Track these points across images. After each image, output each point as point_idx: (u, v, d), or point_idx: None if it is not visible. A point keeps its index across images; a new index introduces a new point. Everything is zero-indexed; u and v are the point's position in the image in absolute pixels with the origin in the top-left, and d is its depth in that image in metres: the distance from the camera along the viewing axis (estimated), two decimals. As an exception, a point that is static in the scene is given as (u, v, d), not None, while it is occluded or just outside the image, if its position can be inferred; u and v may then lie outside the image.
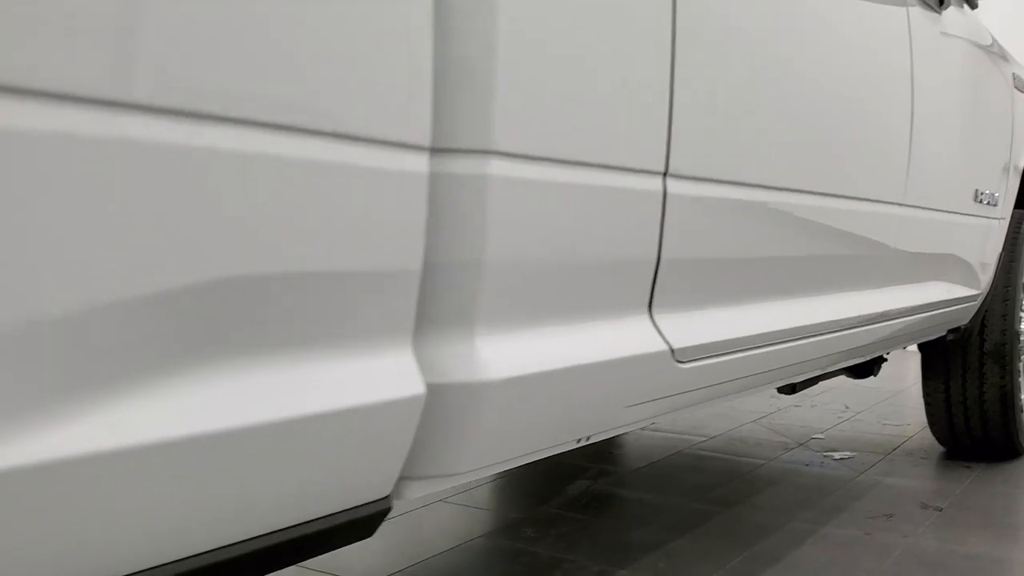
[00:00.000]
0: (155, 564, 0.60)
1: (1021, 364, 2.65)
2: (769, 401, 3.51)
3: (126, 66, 0.52)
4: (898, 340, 1.98)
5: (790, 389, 2.27)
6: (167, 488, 0.60)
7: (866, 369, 2.50)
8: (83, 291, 0.52)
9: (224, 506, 0.65)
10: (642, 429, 3.09)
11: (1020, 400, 2.60)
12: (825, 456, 2.72)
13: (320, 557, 1.90)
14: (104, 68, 0.51)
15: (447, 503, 2.28)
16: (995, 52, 2.32)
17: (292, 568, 1.80)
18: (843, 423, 3.19)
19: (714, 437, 3.00)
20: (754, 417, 3.29)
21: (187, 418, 0.61)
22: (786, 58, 1.20)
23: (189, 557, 0.63)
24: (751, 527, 2.09)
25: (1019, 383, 2.59)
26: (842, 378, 2.50)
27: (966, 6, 2.16)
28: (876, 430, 3.07)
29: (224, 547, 0.66)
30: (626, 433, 2.98)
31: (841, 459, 2.69)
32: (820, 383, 2.39)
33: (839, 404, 3.52)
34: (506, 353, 0.82)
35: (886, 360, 2.49)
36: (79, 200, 0.50)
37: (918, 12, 1.72)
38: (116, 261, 0.54)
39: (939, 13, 1.85)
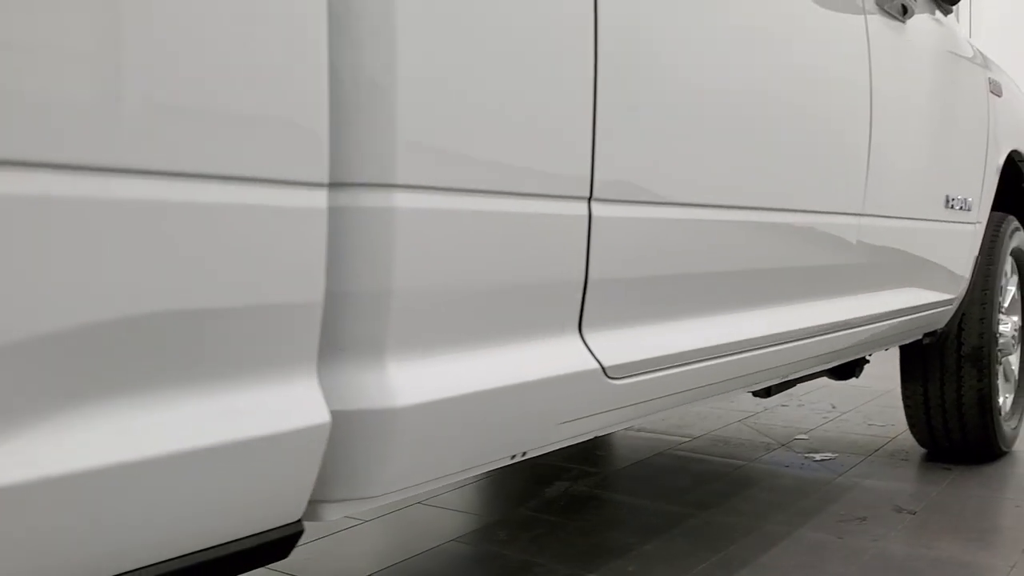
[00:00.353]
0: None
1: (999, 367, 2.66)
2: (757, 400, 3.52)
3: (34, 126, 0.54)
4: (866, 347, 1.99)
5: (765, 393, 2.28)
6: (75, 518, 0.62)
7: (847, 371, 2.51)
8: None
9: (134, 532, 0.67)
10: (626, 429, 3.11)
11: (998, 403, 2.61)
12: (806, 457, 2.74)
13: (291, 561, 1.93)
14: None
15: (425, 505, 2.31)
16: (968, 57, 2.33)
17: (261, 570, 1.83)
18: (828, 423, 3.20)
19: (698, 437, 3.02)
20: (740, 417, 3.30)
21: (94, 450, 0.63)
22: (720, 74, 1.21)
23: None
24: (724, 530, 2.10)
25: (997, 386, 2.59)
26: (828, 378, 2.51)
27: (938, 12, 2.17)
28: (861, 431, 3.08)
29: (137, 570, 0.69)
30: (611, 433, 3.00)
31: (822, 460, 2.70)
32: (807, 382, 2.40)
33: (826, 404, 3.53)
34: (421, 378, 0.84)
35: (868, 362, 2.50)
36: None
37: (878, 21, 1.72)
38: (9, 303, 0.56)
39: (903, 21, 1.86)
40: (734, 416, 3.31)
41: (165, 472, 0.67)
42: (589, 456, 2.81)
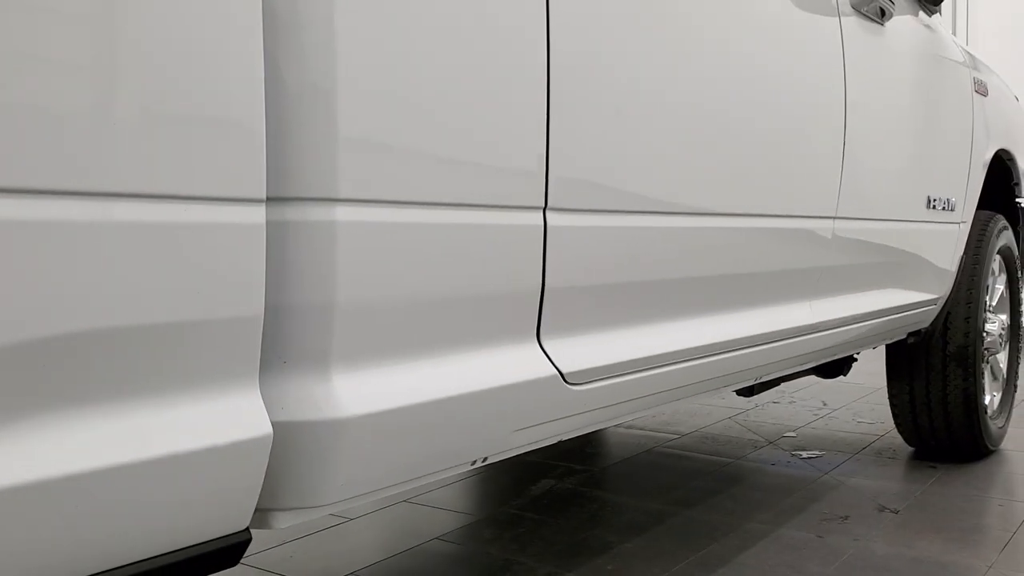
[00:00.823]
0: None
1: (987, 365, 2.66)
2: (747, 397, 3.53)
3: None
4: (845, 347, 1.99)
5: (748, 392, 2.28)
6: (17, 530, 0.63)
7: (835, 369, 2.51)
8: None
9: (79, 542, 0.69)
10: (616, 426, 3.12)
11: (984, 402, 2.61)
12: (793, 455, 2.74)
13: (275, 559, 1.94)
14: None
15: (411, 503, 2.32)
16: (952, 57, 2.33)
17: (239, 568, 1.84)
18: (818, 420, 3.21)
19: (686, 435, 3.03)
20: (730, 414, 3.31)
21: (36, 463, 0.64)
22: (680, 78, 1.22)
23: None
24: (706, 528, 2.11)
25: (983, 385, 2.60)
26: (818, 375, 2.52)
27: (922, 13, 2.17)
28: (850, 428, 3.09)
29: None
30: (602, 430, 3.01)
31: (808, 458, 2.71)
32: (799, 379, 2.40)
33: (817, 401, 3.53)
34: (367, 389, 0.85)
35: (856, 360, 2.51)
36: None
37: (854, 23, 1.72)
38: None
39: (881, 24, 1.86)
40: (723, 413, 3.32)
41: (109, 484, 0.69)
42: (576, 453, 2.82)
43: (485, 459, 1.08)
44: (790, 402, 3.52)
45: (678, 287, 1.25)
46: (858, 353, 2.40)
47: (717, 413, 3.31)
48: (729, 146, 1.33)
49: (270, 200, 0.74)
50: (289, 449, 0.81)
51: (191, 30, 0.68)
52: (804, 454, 2.76)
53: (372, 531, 2.15)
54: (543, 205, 1.00)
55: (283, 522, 0.87)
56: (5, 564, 0.65)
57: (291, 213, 0.76)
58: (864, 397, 3.58)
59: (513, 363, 1.01)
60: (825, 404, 3.47)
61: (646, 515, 2.22)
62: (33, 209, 0.60)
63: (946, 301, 2.45)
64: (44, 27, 0.61)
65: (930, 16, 2.22)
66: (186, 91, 0.68)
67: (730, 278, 1.36)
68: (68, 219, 0.62)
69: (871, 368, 3.49)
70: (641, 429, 3.10)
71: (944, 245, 2.30)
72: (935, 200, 2.18)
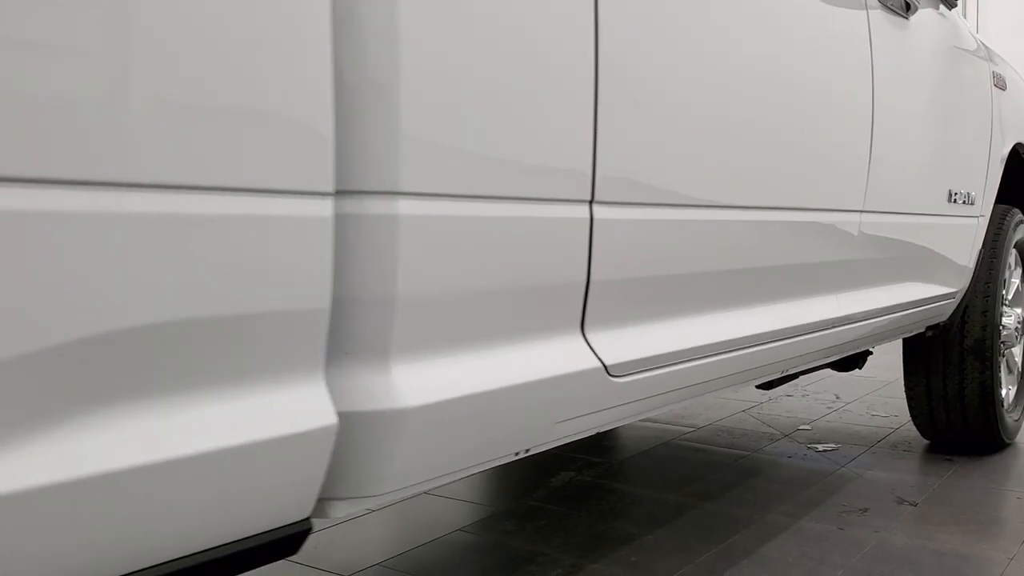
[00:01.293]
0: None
1: (1003, 359, 2.67)
2: (761, 391, 3.54)
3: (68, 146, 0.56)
4: (867, 340, 2.00)
5: (768, 385, 2.30)
6: (97, 517, 0.65)
7: (850, 362, 2.52)
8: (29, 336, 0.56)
9: (151, 530, 0.70)
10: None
11: (1001, 395, 2.62)
12: (809, 448, 2.76)
13: (299, 551, 1.96)
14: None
15: (432, 495, 2.34)
16: (973, 52, 2.33)
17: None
18: (832, 413, 3.22)
19: (701, 427, 3.04)
20: (744, 407, 3.32)
21: (113, 453, 0.65)
22: (718, 73, 1.23)
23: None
24: (727, 520, 2.13)
25: (1000, 378, 2.61)
26: (831, 368, 2.53)
27: (943, 6, 2.17)
28: (864, 421, 3.10)
29: (154, 566, 0.71)
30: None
31: (824, 451, 2.72)
32: (811, 373, 2.42)
33: (830, 394, 3.54)
34: (424, 380, 0.86)
35: (871, 353, 2.52)
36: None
37: (881, 17, 1.73)
38: (42, 311, 0.58)
39: (906, 18, 1.87)
40: (738, 406, 3.33)
41: (180, 474, 0.70)
42: (594, 446, 2.83)
43: (527, 451, 1.09)
44: (803, 396, 3.53)
45: (716, 280, 1.26)
46: (873, 347, 2.41)
47: (731, 406, 3.32)
48: (765, 141, 1.34)
49: (337, 194, 0.75)
50: (349, 439, 0.82)
51: (263, 27, 0.69)
52: (820, 447, 2.77)
53: (394, 523, 2.17)
54: (590, 199, 1.01)
55: (339, 511, 0.88)
56: (80, 552, 0.66)
57: (355, 206, 0.77)
58: (876, 391, 3.59)
59: (558, 355, 1.02)
60: (838, 397, 3.49)
61: (666, 507, 2.23)
62: (123, 202, 0.61)
63: (964, 295, 2.46)
64: (125, 27, 0.62)
65: (949, 10, 2.23)
66: (262, 88, 0.69)
67: (765, 271, 1.38)
68: (152, 212, 0.63)
69: (882, 362, 3.51)
70: (656, 422, 3.12)
71: (964, 239, 2.31)
72: (956, 194, 2.18)
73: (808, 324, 1.54)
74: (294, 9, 0.70)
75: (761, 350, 1.38)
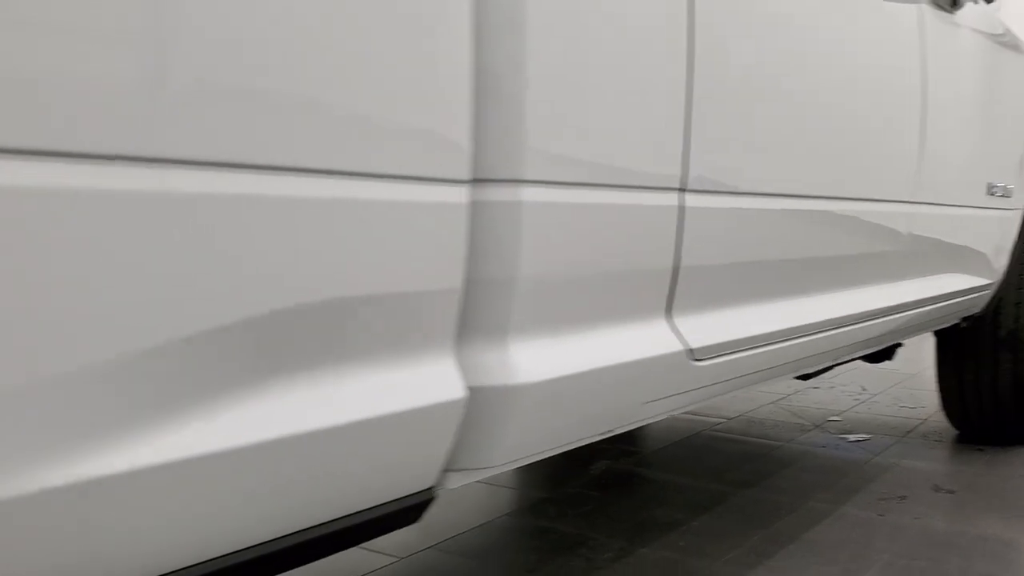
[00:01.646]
0: (252, 543, 0.70)
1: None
2: (786, 383, 3.58)
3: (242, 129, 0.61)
4: (910, 330, 2.05)
5: (805, 375, 2.34)
6: (256, 481, 0.69)
7: (882, 354, 2.56)
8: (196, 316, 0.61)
9: (295, 498, 0.74)
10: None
11: (1033, 385, 2.66)
12: (841, 438, 2.80)
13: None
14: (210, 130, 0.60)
15: (475, 482, 2.38)
16: (1012, 45, 2.37)
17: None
18: (859, 405, 3.26)
19: (731, 419, 3.08)
20: (772, 399, 3.36)
21: (270, 424, 0.70)
22: (796, 71, 1.27)
23: (274, 539, 0.73)
24: (769, 507, 2.17)
25: (1032, 368, 2.64)
26: (859, 360, 2.57)
27: (982, 1, 2.21)
28: (892, 412, 3.14)
29: (298, 532, 0.76)
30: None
31: (856, 441, 2.76)
32: (836, 367, 2.46)
33: (856, 386, 3.59)
34: (536, 358, 0.90)
35: (902, 345, 2.56)
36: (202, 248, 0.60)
37: (929, 12, 1.77)
38: (208, 293, 0.63)
39: (952, 12, 1.91)
40: (767, 398, 3.37)
41: (325, 444, 0.74)
42: (625, 436, 2.87)
43: (612, 431, 1.14)
44: (829, 387, 3.57)
45: (789, 268, 1.30)
46: (906, 339, 2.46)
47: (760, 398, 3.37)
48: (836, 132, 1.38)
49: (470, 182, 0.80)
50: (473, 412, 0.86)
51: (412, 29, 0.73)
52: (851, 437, 2.81)
53: (443, 508, 2.21)
54: (682, 187, 1.05)
55: (454, 482, 0.92)
56: (234, 516, 0.71)
57: (484, 194, 0.82)
58: (902, 383, 3.63)
59: (648, 338, 1.07)
60: (864, 389, 3.53)
61: (707, 494, 2.27)
62: (292, 186, 0.65)
63: (998, 287, 2.50)
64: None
65: (988, 4, 2.26)
66: (408, 84, 0.73)
67: (831, 260, 1.42)
68: (314, 197, 0.68)
69: (906, 355, 3.54)
70: (687, 413, 3.16)
71: (1001, 231, 2.35)
72: (995, 187, 2.23)
73: (862, 313, 1.58)
74: (439, 8, 0.75)
75: (824, 337, 1.42)
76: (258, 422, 0.69)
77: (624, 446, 2.74)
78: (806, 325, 1.34)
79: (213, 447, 0.65)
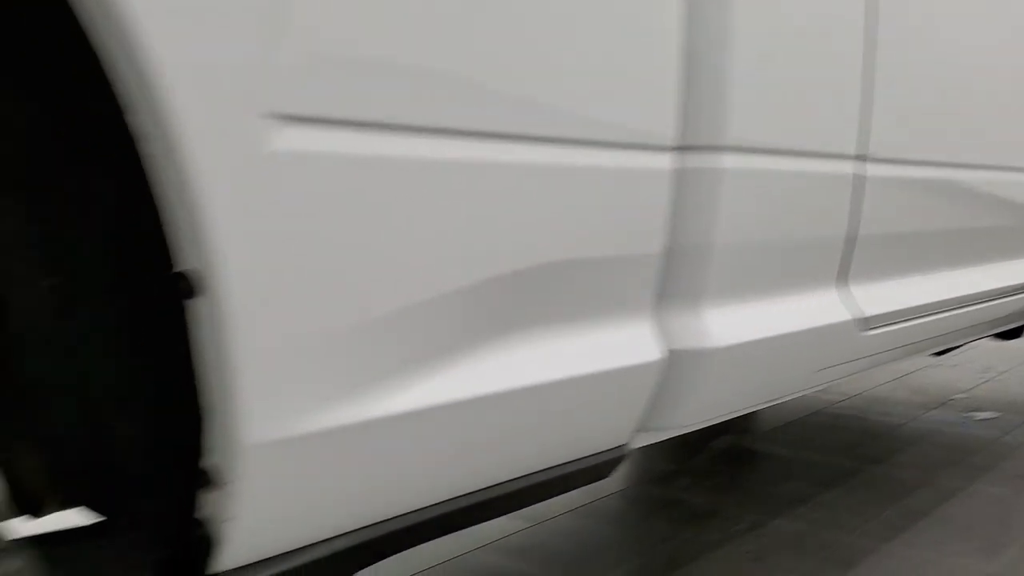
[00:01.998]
0: (470, 491, 0.75)
1: None
2: (907, 361, 3.52)
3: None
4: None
5: (943, 351, 2.30)
6: (478, 431, 0.74)
7: (1015, 331, 2.51)
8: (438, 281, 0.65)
9: (509, 448, 0.79)
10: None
11: None
12: (967, 416, 2.75)
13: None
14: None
15: (600, 454, 2.41)
16: None
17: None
18: (985, 383, 3.19)
19: (852, 396, 3.05)
20: (892, 377, 3.32)
21: (495, 378, 0.74)
22: (965, 43, 1.26)
23: (487, 487, 0.77)
24: (898, 483, 2.15)
25: None
26: (986, 338, 2.51)
27: None
28: (1019, 391, 3.07)
29: (508, 481, 0.80)
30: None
31: (984, 419, 2.71)
32: (968, 343, 2.42)
33: (979, 364, 3.51)
34: (726, 323, 0.93)
35: (1032, 321, 2.50)
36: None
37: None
38: (471, 250, 0.67)
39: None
40: (885, 376, 3.33)
41: (536, 399, 0.78)
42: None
43: (783, 397, 1.16)
44: (952, 365, 3.50)
45: (952, 238, 1.30)
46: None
47: (879, 376, 3.32)
48: (1000, 103, 1.37)
49: (674, 148, 0.83)
50: (668, 374, 0.89)
51: (627, 13, 0.76)
52: (978, 415, 2.76)
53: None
54: (861, 155, 1.06)
55: (641, 441, 0.96)
56: (469, 460, 0.75)
57: (686, 161, 0.85)
58: (1027, 362, 3.54)
59: (823, 306, 1.08)
60: (989, 368, 3.45)
61: (835, 470, 2.26)
62: (540, 155, 0.69)
63: None
64: None
65: None
66: (624, 58, 0.76)
67: (987, 230, 1.41)
68: (542, 163, 0.71)
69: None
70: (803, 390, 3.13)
71: None
72: None
73: (1015, 285, 1.56)
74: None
75: (986, 307, 1.42)
76: (484, 377, 0.73)
77: (742, 422, 2.74)
78: (963, 296, 1.34)
79: (455, 396, 0.70)
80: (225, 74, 0.50)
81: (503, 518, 1.96)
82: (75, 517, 0.65)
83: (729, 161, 0.87)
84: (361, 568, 0.72)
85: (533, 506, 1.99)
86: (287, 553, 0.63)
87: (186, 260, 0.53)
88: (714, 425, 2.67)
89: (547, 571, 1.70)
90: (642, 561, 1.73)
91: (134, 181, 0.54)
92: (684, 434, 2.60)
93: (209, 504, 0.60)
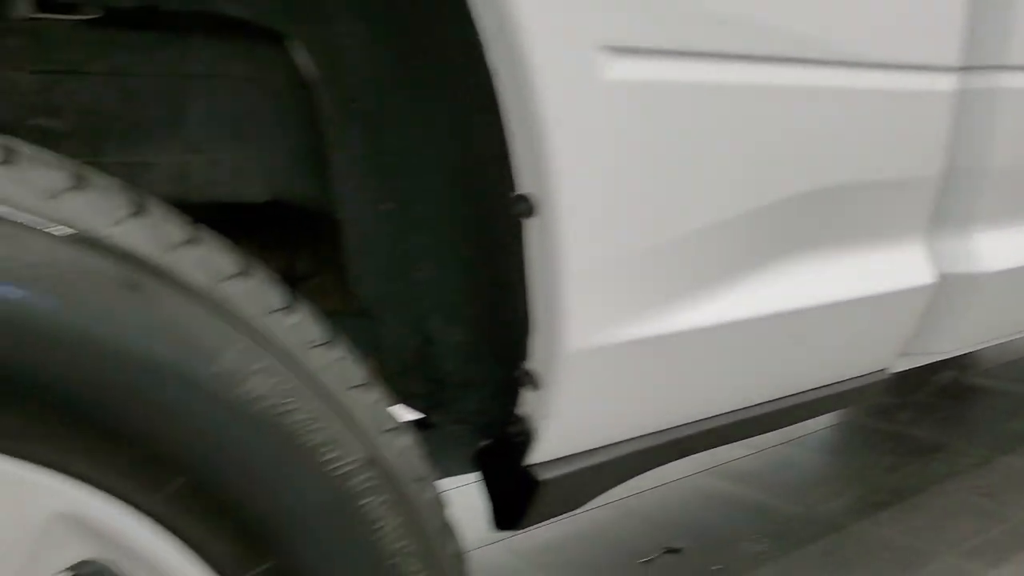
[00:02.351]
0: (747, 405, 0.79)
1: None
2: None
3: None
4: None
5: None
6: (758, 348, 0.78)
7: None
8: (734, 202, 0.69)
9: (788, 366, 0.82)
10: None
11: None
12: None
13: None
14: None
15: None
16: None
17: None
18: None
19: (1088, 334, 2.88)
20: None
21: (783, 297, 0.77)
22: None
23: (766, 402, 0.82)
24: None
25: None
26: None
27: None
28: None
29: (778, 399, 0.84)
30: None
31: None
32: None
33: None
34: (996, 248, 0.92)
35: None
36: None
37: None
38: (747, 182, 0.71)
39: None
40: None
41: (815, 320, 0.81)
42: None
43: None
44: None
45: None
46: None
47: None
48: None
49: (959, 69, 0.83)
50: (936, 298, 0.90)
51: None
52: None
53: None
54: None
55: (902, 366, 0.97)
56: (755, 375, 0.79)
57: (968, 81, 0.84)
58: None
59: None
60: None
61: (1069, 409, 2.17)
62: (842, 79, 0.72)
63: None
64: None
65: None
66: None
67: None
68: (833, 86, 0.73)
69: None
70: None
71: None
72: None
73: None
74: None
75: None
76: (768, 297, 0.77)
77: (966, 359, 2.65)
78: None
79: (741, 315, 0.74)
80: (567, 11, 0.56)
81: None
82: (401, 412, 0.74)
83: (1011, 80, 0.85)
84: (647, 470, 0.78)
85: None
86: (594, 450, 0.70)
87: (525, 184, 0.59)
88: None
89: (771, 496, 1.72)
90: (865, 491, 1.73)
91: (475, 115, 0.61)
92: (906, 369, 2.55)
93: (528, 403, 0.67)
